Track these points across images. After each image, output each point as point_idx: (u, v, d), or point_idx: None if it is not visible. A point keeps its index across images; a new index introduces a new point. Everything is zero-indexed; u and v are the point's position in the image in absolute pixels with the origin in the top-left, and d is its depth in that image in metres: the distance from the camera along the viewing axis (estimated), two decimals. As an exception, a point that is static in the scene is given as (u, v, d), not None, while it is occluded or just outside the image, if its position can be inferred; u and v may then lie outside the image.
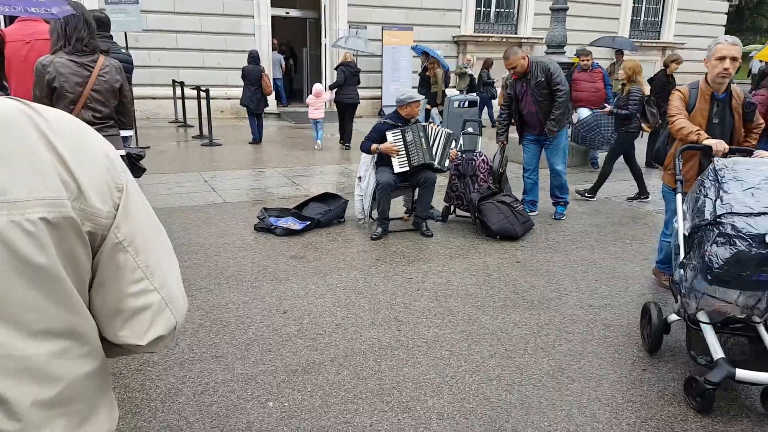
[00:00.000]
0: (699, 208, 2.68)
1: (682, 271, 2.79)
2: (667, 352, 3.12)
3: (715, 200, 2.57)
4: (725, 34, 19.74)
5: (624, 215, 5.81)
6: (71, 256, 0.75)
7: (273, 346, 3.06)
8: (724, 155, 3.09)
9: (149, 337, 0.83)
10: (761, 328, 2.73)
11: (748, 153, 3.18)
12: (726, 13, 19.22)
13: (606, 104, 8.08)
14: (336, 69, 9.62)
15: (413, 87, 11.10)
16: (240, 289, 3.79)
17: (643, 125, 6.31)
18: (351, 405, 2.57)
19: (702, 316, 2.71)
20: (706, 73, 3.35)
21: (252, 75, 9.38)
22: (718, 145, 3.12)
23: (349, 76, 9.24)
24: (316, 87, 9.44)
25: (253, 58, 9.46)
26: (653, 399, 2.68)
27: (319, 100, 9.26)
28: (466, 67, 12.74)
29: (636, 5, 17.29)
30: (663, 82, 7.62)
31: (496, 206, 4.93)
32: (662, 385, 2.79)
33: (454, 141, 5.17)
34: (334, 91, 9.38)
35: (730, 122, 3.34)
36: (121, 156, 3.12)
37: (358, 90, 9.64)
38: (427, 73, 10.43)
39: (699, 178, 2.85)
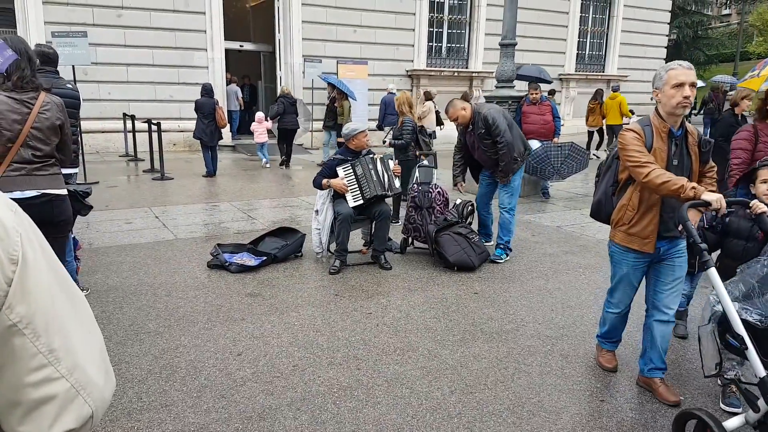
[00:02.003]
0: None
1: None
2: (623, 381, 3.16)
3: None
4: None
5: (575, 244, 5.95)
6: None
7: (226, 391, 2.93)
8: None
9: None
10: None
11: (745, 205, 2.83)
12: (665, 47, 20.47)
13: (555, 136, 8.39)
14: (276, 101, 10.97)
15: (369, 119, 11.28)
16: (192, 331, 3.63)
17: (417, 153, 6.74)
18: (309, 452, 2.47)
19: None
20: (656, 107, 2.84)
21: (205, 108, 9.31)
22: (719, 201, 2.55)
23: (287, 105, 10.52)
24: (258, 115, 11.01)
25: (207, 90, 9.42)
26: (612, 431, 2.69)
27: (261, 125, 10.80)
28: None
29: (581, 40, 18.22)
30: (729, 123, 5.96)
31: (453, 238, 4.97)
32: (620, 416, 2.81)
33: (389, 161, 5.12)
34: (276, 119, 10.57)
35: (688, 163, 2.82)
36: (62, 195, 2.91)
37: (312, 120, 10.80)
38: (335, 104, 10.81)
39: None
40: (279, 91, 11.19)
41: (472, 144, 5.26)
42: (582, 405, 2.90)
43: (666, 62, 20.15)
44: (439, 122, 11.36)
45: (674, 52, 27.31)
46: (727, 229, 3.12)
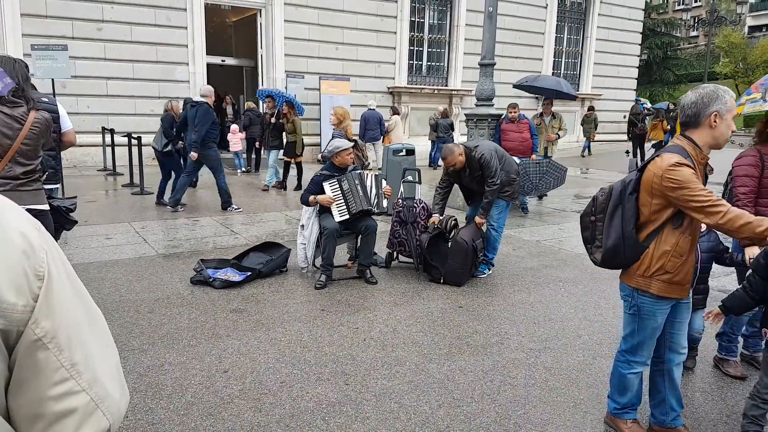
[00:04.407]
0: None
1: None
2: (606, 392, 3.22)
3: None
4: (637, 86, 21.64)
5: (555, 258, 6.07)
6: None
7: (213, 409, 2.91)
8: None
9: None
10: None
11: None
12: (637, 67, 21.10)
13: (533, 153, 8.57)
14: (243, 114, 12.16)
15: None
16: (176, 348, 3.60)
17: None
18: (299, 468, 2.47)
19: None
20: (688, 137, 2.47)
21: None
22: None
23: (253, 118, 11.66)
24: (233, 126, 12.25)
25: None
26: (596, 441, 2.75)
27: (235, 136, 11.99)
28: (439, 118, 13.31)
29: (556, 60, 18.68)
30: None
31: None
32: (604, 427, 2.87)
33: (383, 180, 5.22)
34: (246, 131, 11.80)
35: None
36: (45, 210, 2.89)
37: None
38: (281, 120, 9.75)
39: None
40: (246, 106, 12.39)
41: (469, 183, 5.25)
42: (566, 417, 2.96)
43: (637, 81, 20.81)
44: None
45: (645, 71, 28.16)
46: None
